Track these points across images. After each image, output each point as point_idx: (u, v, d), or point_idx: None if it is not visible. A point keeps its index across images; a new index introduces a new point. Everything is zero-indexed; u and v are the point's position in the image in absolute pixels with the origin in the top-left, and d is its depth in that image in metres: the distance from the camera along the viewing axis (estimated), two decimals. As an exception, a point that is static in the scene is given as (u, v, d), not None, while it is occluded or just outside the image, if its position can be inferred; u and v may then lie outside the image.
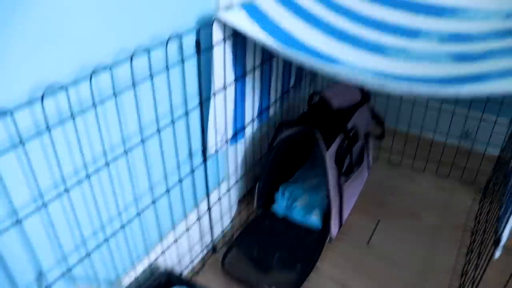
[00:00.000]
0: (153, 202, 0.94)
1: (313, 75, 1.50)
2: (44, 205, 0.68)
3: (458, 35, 1.02)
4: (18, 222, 0.64)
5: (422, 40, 1.02)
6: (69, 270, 0.76)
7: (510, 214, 0.83)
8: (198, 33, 0.89)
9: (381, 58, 0.95)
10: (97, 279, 0.86)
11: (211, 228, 1.18)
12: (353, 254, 1.21)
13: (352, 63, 0.92)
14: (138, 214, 0.91)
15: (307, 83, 1.47)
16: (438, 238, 1.25)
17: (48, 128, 0.65)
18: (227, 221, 1.28)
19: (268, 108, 1.22)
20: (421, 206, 1.36)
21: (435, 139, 1.58)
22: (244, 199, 1.37)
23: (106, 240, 0.84)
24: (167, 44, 0.83)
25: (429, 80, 0.84)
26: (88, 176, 0.75)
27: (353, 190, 1.31)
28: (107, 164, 0.78)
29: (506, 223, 0.81)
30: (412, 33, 1.06)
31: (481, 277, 0.85)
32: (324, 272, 1.15)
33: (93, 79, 0.70)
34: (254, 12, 0.96)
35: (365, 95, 1.37)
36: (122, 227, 0.87)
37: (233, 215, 1.30)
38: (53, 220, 0.71)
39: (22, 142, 0.61)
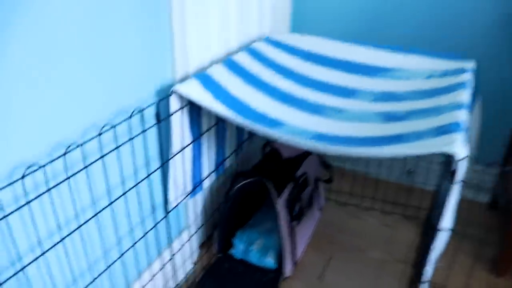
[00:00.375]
0: (120, 256, 1.04)
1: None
2: (22, 268, 0.77)
3: (388, 94, 1.18)
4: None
5: (358, 99, 1.18)
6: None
7: (431, 252, 0.97)
8: (157, 106, 1.02)
9: (319, 118, 1.10)
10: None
11: (174, 273, 1.28)
12: (306, 291, 1.33)
13: (294, 125, 1.05)
14: (108, 267, 1.00)
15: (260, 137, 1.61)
16: (383, 272, 1.38)
17: (28, 202, 0.75)
18: (189, 266, 1.37)
19: (224, 161, 1.35)
20: (367, 242, 1.50)
21: (380, 177, 1.74)
22: (204, 244, 1.47)
23: (78, 295, 0.93)
24: (130, 117, 0.95)
25: (359, 140, 0.98)
26: (62, 239, 0.84)
27: (305, 230, 1.44)
28: (79, 227, 0.88)
29: (427, 260, 0.95)
30: (349, 93, 1.21)
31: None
32: (280, 309, 1.26)
33: (66, 154, 0.80)
34: (207, 82, 1.09)
35: (312, 144, 1.52)
36: (92, 281, 0.96)
37: (195, 259, 1.40)
38: (30, 278, 0.80)
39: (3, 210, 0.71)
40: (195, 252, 1.40)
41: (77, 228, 0.87)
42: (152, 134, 1.06)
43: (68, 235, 0.86)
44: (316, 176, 1.53)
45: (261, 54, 1.31)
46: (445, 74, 1.22)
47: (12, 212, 0.72)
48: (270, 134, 0.99)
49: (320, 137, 1.00)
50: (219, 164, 1.32)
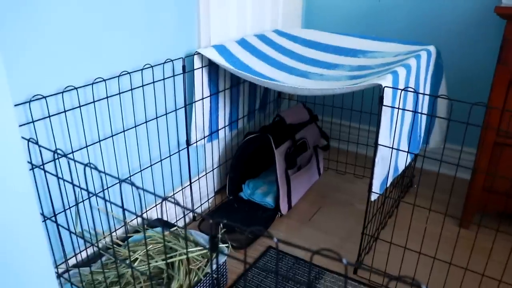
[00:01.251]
0: (151, 165, 1.43)
1: (277, 102, 2.02)
2: (87, 148, 1.18)
3: (362, 66, 1.53)
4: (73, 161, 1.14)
5: (337, 69, 1.53)
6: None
7: (374, 165, 1.28)
8: (183, 60, 1.43)
9: (304, 79, 1.46)
10: (117, 212, 1.33)
11: (192, 204, 1.65)
12: (296, 225, 1.65)
13: (284, 82, 1.42)
14: (140, 171, 1.40)
15: (271, 108, 1.98)
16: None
17: (94, 101, 1.16)
18: (206, 204, 1.74)
19: (237, 121, 1.73)
20: (356, 199, 1.81)
21: (368, 155, 2.05)
22: (220, 191, 1.83)
23: (124, 182, 1.32)
24: (164, 63, 1.36)
25: (326, 89, 1.34)
26: (113, 135, 1.25)
27: (302, 183, 1.77)
28: (123, 131, 1.28)
29: (373, 174, 1.26)
30: (332, 66, 1.57)
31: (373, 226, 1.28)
32: (274, 235, 1.59)
33: (118, 79, 1.22)
34: (222, 50, 1.49)
35: (312, 116, 1.87)
36: (129, 178, 1.35)
37: (211, 199, 1.77)
38: (91, 159, 1.21)
39: (80, 107, 1.13)
40: (212, 194, 1.77)
41: (119, 133, 1.28)
42: (180, 82, 1.46)
43: (119, 136, 1.26)
44: (315, 144, 1.88)
45: (267, 38, 1.71)
46: (409, 53, 1.55)
47: (89, 104, 1.14)
48: (267, 84, 1.36)
49: (302, 87, 1.36)
50: (233, 122, 1.70)
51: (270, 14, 1.82)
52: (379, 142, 1.22)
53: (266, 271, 1.43)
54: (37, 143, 0.94)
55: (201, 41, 1.51)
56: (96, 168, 0.75)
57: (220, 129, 1.64)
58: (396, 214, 1.64)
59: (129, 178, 1.36)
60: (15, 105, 1.01)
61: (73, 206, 1.19)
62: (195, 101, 1.49)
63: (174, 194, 1.56)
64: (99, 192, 1.19)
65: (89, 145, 1.21)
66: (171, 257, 1.28)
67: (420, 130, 1.52)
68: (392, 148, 1.25)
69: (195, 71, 1.45)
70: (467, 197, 1.58)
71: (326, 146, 1.91)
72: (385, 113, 1.20)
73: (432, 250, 1.33)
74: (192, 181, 1.63)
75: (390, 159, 1.27)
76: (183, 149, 1.56)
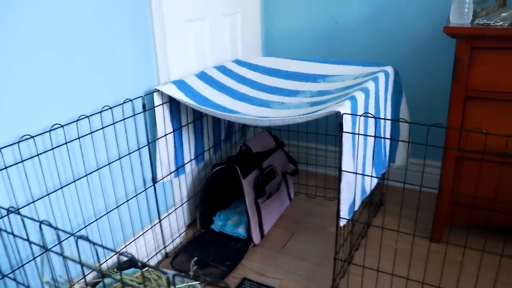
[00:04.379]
0: (109, 211, 1.40)
1: (243, 131, 2.02)
2: (48, 196, 1.15)
3: (322, 91, 1.55)
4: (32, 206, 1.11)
5: (298, 96, 1.55)
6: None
7: (340, 191, 1.29)
8: (143, 99, 1.42)
9: (265, 109, 1.47)
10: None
11: (163, 241, 1.62)
12: (270, 254, 1.63)
13: (245, 113, 1.43)
14: (107, 213, 1.37)
15: (237, 137, 1.98)
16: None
17: (52, 148, 1.14)
18: (177, 239, 1.71)
19: (203, 153, 1.72)
20: (329, 222, 1.81)
21: (337, 175, 2.06)
22: (192, 224, 1.81)
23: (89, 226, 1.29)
24: (123, 103, 1.35)
25: (287, 118, 1.34)
26: (74, 181, 1.22)
27: (272, 211, 1.77)
28: (85, 175, 1.26)
29: (339, 200, 1.26)
30: (292, 93, 1.59)
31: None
32: (248, 266, 1.57)
33: (77, 124, 1.20)
34: (181, 85, 1.49)
35: (278, 142, 1.88)
36: (94, 222, 1.32)
37: (182, 234, 1.74)
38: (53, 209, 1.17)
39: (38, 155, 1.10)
40: (183, 228, 1.74)
41: (82, 177, 1.25)
42: (141, 121, 1.45)
43: (74, 181, 1.24)
44: (283, 170, 1.88)
45: (227, 69, 1.72)
46: (368, 75, 1.58)
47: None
48: (228, 117, 1.36)
49: (263, 117, 1.36)
50: (198, 154, 1.69)
51: (229, 45, 1.84)
52: (343, 168, 1.23)
53: (242, 305, 1.41)
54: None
55: (160, 77, 1.51)
56: (50, 225, 0.73)
57: (186, 164, 1.63)
58: (366, 236, 1.64)
59: (87, 227, 1.33)
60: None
61: (41, 254, 1.15)
62: (157, 138, 1.47)
63: (144, 232, 1.53)
64: (54, 246, 1.15)
65: (50, 193, 1.18)
66: (143, 301, 1.25)
67: (385, 150, 1.54)
68: (356, 173, 1.27)
69: (155, 108, 1.44)
70: (436, 212, 1.60)
71: (295, 171, 1.91)
72: (346, 139, 1.21)
73: (406, 268, 1.34)
74: (162, 217, 1.60)
75: (355, 183, 1.28)
76: (149, 187, 1.54)
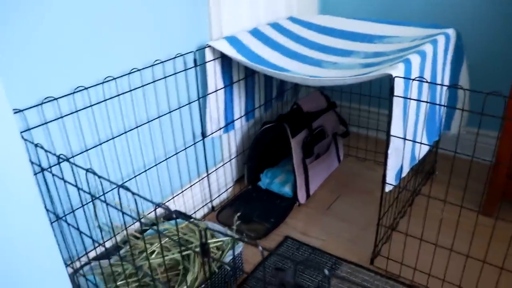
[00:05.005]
0: (166, 159, 1.45)
1: (295, 90, 2.00)
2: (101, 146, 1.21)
3: (377, 53, 1.49)
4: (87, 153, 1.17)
5: (351, 57, 1.50)
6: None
7: (387, 157, 1.26)
8: (195, 54, 1.43)
9: (316, 68, 1.44)
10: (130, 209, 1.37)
11: (210, 194, 1.67)
12: (315, 214, 1.64)
13: (296, 71, 1.41)
14: (156, 165, 1.42)
15: (289, 96, 1.97)
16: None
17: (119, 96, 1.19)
18: (224, 194, 1.76)
19: (253, 111, 1.73)
20: (376, 186, 1.78)
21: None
22: (239, 180, 1.85)
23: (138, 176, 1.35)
24: (174, 57, 1.37)
25: (337, 79, 1.31)
26: (127, 132, 1.27)
27: (320, 171, 1.76)
28: (136, 127, 1.31)
29: (386, 165, 1.24)
30: (346, 53, 1.54)
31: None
32: (291, 225, 1.59)
33: (128, 77, 1.24)
34: (234, 42, 1.49)
35: (330, 103, 1.85)
36: (145, 171, 1.38)
37: (229, 189, 1.78)
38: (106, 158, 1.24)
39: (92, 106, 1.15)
40: (230, 183, 1.78)
41: (133, 129, 1.30)
42: (192, 76, 1.47)
43: (132, 132, 1.29)
44: (334, 131, 1.85)
45: (281, 27, 1.69)
46: (427, 37, 1.50)
47: (102, 102, 1.16)
48: (277, 75, 1.35)
49: (313, 76, 1.34)
50: (249, 111, 1.70)
51: (284, 1, 1.79)
52: (392, 133, 1.19)
53: (285, 258, 1.44)
54: (42, 147, 0.97)
55: (212, 32, 1.50)
56: (94, 173, 0.77)
57: (235, 120, 1.64)
58: (413, 203, 1.61)
59: (136, 177, 1.39)
60: (28, 108, 1.04)
61: (89, 202, 1.22)
62: (208, 94, 1.49)
63: (192, 185, 1.59)
64: (102, 195, 1.21)
65: (103, 143, 1.24)
66: (186, 249, 1.31)
67: (439, 117, 1.48)
68: (406, 139, 1.23)
69: (207, 64, 1.45)
70: (489, 184, 1.53)
71: (345, 133, 1.88)
72: (397, 103, 1.17)
73: (451, 239, 1.31)
74: (210, 171, 1.65)
75: (404, 149, 1.25)
76: (198, 141, 1.57)
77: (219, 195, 1.72)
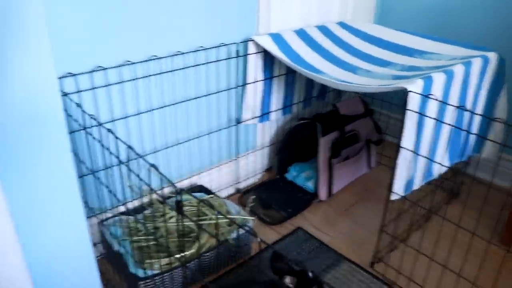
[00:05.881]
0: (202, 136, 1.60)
1: (338, 92, 2.06)
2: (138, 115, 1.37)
3: (413, 67, 1.53)
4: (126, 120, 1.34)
5: (389, 68, 1.55)
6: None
7: (396, 167, 1.31)
8: (237, 45, 1.55)
9: (350, 74, 1.51)
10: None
11: (238, 177, 1.79)
12: (331, 212, 1.72)
13: (330, 74, 1.49)
14: (187, 141, 1.57)
15: (332, 97, 2.04)
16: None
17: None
18: (252, 179, 1.87)
19: (291, 106, 1.82)
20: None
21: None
22: (270, 169, 1.96)
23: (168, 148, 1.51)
24: (218, 46, 1.50)
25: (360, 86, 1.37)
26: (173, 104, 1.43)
27: (345, 173, 1.83)
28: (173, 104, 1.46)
29: (393, 175, 1.29)
30: (384, 63, 1.59)
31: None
32: (307, 218, 1.68)
33: (172, 58, 1.39)
34: (278, 39, 1.59)
35: (367, 109, 1.90)
36: (175, 145, 1.53)
37: (258, 176, 1.90)
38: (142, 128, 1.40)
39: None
40: (259, 171, 1.90)
41: (171, 105, 1.46)
42: (233, 64, 1.59)
43: (175, 106, 1.44)
44: (367, 137, 1.90)
45: (328, 30, 1.76)
46: (465, 57, 1.51)
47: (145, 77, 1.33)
48: (310, 76, 1.44)
49: (343, 81, 1.41)
50: (286, 106, 1.80)
51: (339, 5, 1.86)
52: (402, 144, 1.25)
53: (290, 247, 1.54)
54: (81, 108, 1.14)
55: (259, 27, 1.61)
56: (124, 142, 0.92)
57: (271, 112, 1.75)
58: (428, 219, 1.63)
59: (168, 148, 1.55)
60: (80, 74, 1.21)
61: (125, 163, 1.39)
62: (246, 83, 1.61)
63: (219, 165, 1.72)
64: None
65: (142, 112, 1.40)
66: (201, 220, 1.45)
67: (467, 140, 1.49)
68: (416, 153, 1.27)
69: (249, 56, 1.57)
70: (509, 212, 1.52)
71: (379, 140, 1.93)
72: (410, 117, 1.22)
73: (461, 262, 1.33)
74: (239, 156, 1.77)
75: (416, 162, 1.29)
76: (232, 126, 1.70)
77: (246, 179, 1.84)
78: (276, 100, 1.75)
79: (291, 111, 1.85)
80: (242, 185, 1.84)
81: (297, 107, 1.86)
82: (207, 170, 1.69)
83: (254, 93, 1.65)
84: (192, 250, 1.34)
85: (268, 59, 1.64)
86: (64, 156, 0.85)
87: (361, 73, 1.51)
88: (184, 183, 1.63)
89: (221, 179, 1.75)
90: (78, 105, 1.18)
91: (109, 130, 1.00)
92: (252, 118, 1.70)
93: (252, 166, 1.85)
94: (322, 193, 1.75)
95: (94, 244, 1.39)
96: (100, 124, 1.09)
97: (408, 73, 1.47)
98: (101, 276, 1.05)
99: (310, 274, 1.11)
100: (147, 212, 1.50)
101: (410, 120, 1.22)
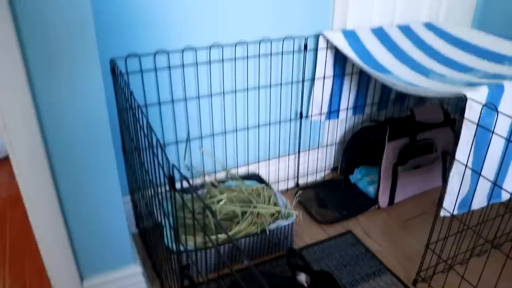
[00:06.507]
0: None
1: (420, 97, 1.92)
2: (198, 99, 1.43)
3: (496, 75, 1.39)
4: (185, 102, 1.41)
5: (468, 74, 1.42)
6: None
7: (447, 180, 1.20)
8: (306, 40, 1.54)
9: (421, 77, 1.41)
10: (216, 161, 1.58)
11: (298, 172, 1.78)
12: (389, 221, 1.63)
13: (398, 75, 1.40)
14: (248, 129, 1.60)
15: (413, 102, 1.91)
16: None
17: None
18: (315, 176, 1.84)
19: (363, 106, 1.75)
20: (471, 220, 1.65)
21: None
22: (335, 169, 1.90)
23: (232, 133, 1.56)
24: (283, 40, 1.50)
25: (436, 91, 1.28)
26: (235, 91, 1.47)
27: (413, 182, 1.71)
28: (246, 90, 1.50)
29: (444, 189, 1.19)
30: (465, 69, 1.46)
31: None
32: (361, 222, 1.62)
33: (236, 47, 1.43)
34: (350, 36, 1.54)
35: (448, 119, 1.75)
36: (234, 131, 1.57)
37: (323, 174, 1.86)
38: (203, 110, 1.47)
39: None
40: (323, 168, 1.86)
41: (234, 92, 1.50)
42: (301, 59, 1.58)
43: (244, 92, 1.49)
44: (445, 148, 1.76)
45: (411, 31, 1.65)
46: None
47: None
48: (377, 77, 1.37)
49: (410, 84, 1.32)
50: (358, 106, 1.73)
51: (429, 5, 1.74)
52: (456, 157, 1.14)
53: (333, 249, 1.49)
54: (126, 82, 1.22)
55: (334, 22, 1.58)
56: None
57: (340, 110, 1.70)
58: (490, 253, 1.46)
59: (226, 134, 1.58)
60: (144, 55, 1.31)
61: (186, 141, 1.47)
62: (314, 78, 1.59)
63: (281, 157, 1.72)
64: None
65: (200, 97, 1.46)
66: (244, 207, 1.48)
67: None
68: (472, 169, 1.15)
69: (318, 51, 1.54)
70: None
71: (457, 154, 1.76)
72: (467, 127, 1.11)
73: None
74: (301, 150, 1.76)
75: (474, 179, 1.17)
76: (294, 119, 1.69)
77: (308, 175, 1.82)
78: (346, 98, 1.70)
79: (363, 112, 1.78)
80: (303, 180, 1.82)
81: (370, 108, 1.78)
82: (268, 161, 1.70)
83: (321, 89, 1.62)
84: (230, 233, 1.37)
85: (340, 55, 1.60)
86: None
87: (433, 77, 1.40)
88: (241, 170, 1.67)
89: (281, 172, 1.75)
90: (120, 73, 1.27)
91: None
92: (319, 115, 1.68)
93: (316, 163, 1.83)
94: (383, 200, 1.66)
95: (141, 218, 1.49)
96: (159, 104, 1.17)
97: (488, 81, 1.33)
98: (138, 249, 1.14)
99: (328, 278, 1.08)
100: (198, 193, 1.57)
101: (467, 130, 1.11)
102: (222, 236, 1.36)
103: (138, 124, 0.99)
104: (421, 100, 1.95)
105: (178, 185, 1.39)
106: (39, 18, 0.82)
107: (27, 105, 0.88)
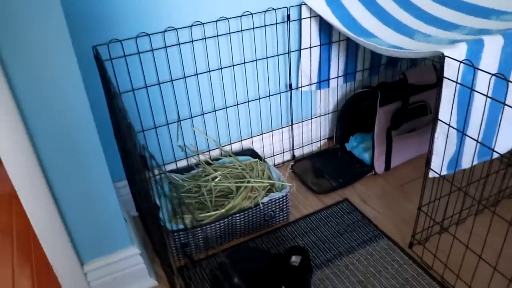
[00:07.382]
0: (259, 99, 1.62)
1: (413, 60, 1.90)
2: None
3: (482, 30, 1.36)
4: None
5: (454, 31, 1.39)
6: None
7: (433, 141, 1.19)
8: (288, 10, 1.52)
9: (406, 39, 1.39)
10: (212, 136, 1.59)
11: (293, 145, 1.78)
12: (385, 187, 1.63)
13: (383, 39, 1.38)
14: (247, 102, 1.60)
15: (406, 65, 1.88)
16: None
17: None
18: (310, 147, 1.85)
19: (354, 73, 1.73)
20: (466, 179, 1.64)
21: None
22: (331, 139, 1.90)
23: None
24: (265, 11, 1.49)
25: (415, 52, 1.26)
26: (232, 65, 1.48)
27: (408, 146, 1.70)
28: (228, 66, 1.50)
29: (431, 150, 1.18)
30: (450, 26, 1.43)
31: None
32: (357, 190, 1.62)
33: (217, 24, 1.42)
34: (331, 1, 1.51)
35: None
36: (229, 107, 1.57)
37: (318, 144, 1.86)
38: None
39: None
40: (318, 139, 1.86)
41: (220, 68, 1.49)
42: (284, 31, 1.56)
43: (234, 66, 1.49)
44: (440, 110, 1.74)
45: (397, -10, 1.62)
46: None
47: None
48: (361, 43, 1.36)
49: (393, 46, 1.30)
50: (348, 73, 1.72)
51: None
52: (439, 117, 1.13)
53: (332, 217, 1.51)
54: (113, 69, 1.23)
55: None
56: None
57: (331, 79, 1.69)
58: (481, 213, 1.45)
59: (217, 111, 1.59)
60: (126, 39, 1.31)
61: (175, 122, 1.49)
62: (300, 49, 1.57)
63: (272, 131, 1.73)
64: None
65: (187, 77, 1.47)
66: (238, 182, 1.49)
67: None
68: (455, 128, 1.14)
69: (302, 21, 1.53)
70: None
71: (453, 114, 1.74)
72: (448, 86, 1.09)
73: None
74: (294, 123, 1.75)
75: (461, 138, 1.16)
76: (284, 92, 1.68)
77: (303, 147, 1.82)
78: (336, 66, 1.68)
79: (355, 79, 1.76)
80: (299, 152, 1.82)
81: (362, 74, 1.76)
82: (261, 135, 1.71)
83: (309, 59, 1.61)
84: (222, 210, 1.39)
85: (326, 23, 1.58)
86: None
87: (418, 38, 1.38)
88: (235, 146, 1.68)
89: (276, 146, 1.76)
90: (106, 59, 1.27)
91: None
92: (309, 85, 1.67)
93: (311, 134, 1.82)
94: (378, 166, 1.66)
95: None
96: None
97: (473, 37, 1.30)
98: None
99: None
100: (194, 172, 1.59)
101: (448, 88, 1.10)
102: (212, 213, 1.38)
103: (116, 108, 1.00)
104: (413, 62, 1.92)
105: (173, 166, 1.40)
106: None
107: (6, 97, 0.89)
